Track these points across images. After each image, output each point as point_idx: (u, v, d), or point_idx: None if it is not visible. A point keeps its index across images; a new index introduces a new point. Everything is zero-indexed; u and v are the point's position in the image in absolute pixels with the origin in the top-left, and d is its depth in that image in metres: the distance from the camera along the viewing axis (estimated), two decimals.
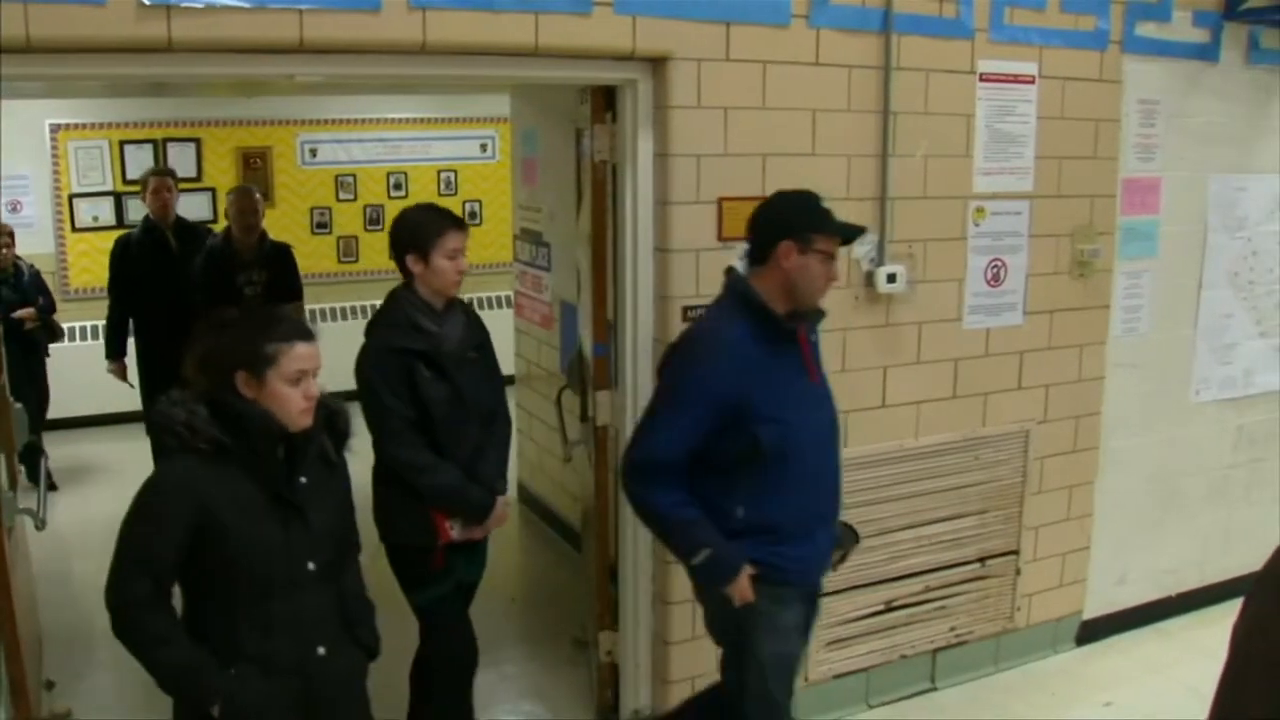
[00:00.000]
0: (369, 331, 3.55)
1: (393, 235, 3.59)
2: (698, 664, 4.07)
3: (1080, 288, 4.66)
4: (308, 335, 2.63)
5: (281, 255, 6.12)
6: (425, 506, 3.54)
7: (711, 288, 3.77)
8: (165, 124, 8.78)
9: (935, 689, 4.68)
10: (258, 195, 6.19)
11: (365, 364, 3.49)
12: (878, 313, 4.18)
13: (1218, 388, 5.20)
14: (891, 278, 4.11)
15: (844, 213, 3.97)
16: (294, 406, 2.57)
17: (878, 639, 4.51)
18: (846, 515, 4.22)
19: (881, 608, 4.48)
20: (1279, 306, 5.36)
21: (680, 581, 3.95)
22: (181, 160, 8.73)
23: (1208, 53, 4.90)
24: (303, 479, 2.63)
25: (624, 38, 3.57)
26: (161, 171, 6.68)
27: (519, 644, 5.10)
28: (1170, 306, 5.00)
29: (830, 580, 4.28)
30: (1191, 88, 4.88)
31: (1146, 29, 4.67)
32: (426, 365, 3.48)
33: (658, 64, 3.70)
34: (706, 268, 3.79)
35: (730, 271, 3.26)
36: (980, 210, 4.34)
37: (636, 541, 4.02)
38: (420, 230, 3.55)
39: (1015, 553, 4.75)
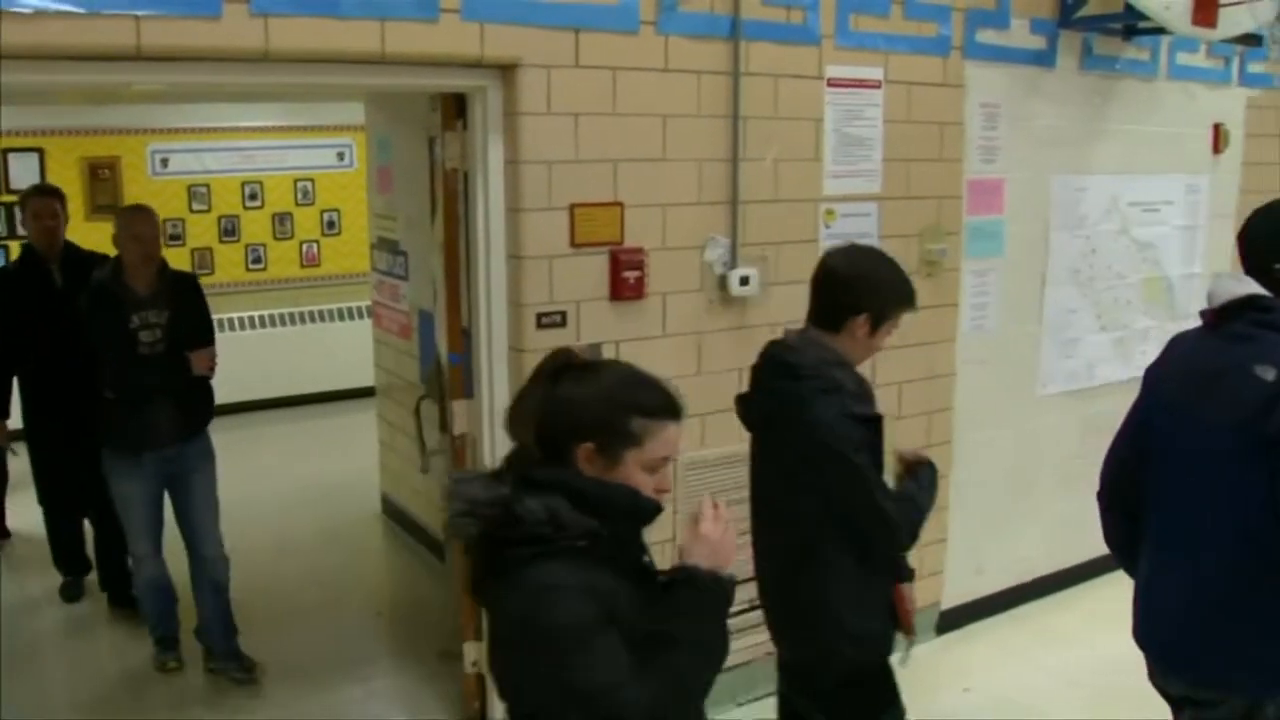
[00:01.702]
0: (818, 396, 2.83)
1: (849, 283, 2.91)
2: None
3: (929, 287, 4.75)
4: (679, 412, 2.08)
5: (186, 289, 4.77)
6: (887, 581, 2.99)
7: (565, 294, 3.79)
8: (5, 133, 8.44)
9: None
10: (156, 217, 4.77)
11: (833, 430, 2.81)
12: (732, 315, 4.22)
13: (1063, 381, 5.38)
14: (744, 280, 4.15)
15: (695, 217, 4.06)
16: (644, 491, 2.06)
17: (744, 637, 4.50)
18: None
19: (746, 606, 4.48)
20: (1118, 302, 5.57)
21: None
22: (23, 172, 8.39)
23: (1045, 59, 5.06)
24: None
25: (472, 45, 3.54)
26: (45, 190, 5.53)
27: (386, 658, 5.04)
28: (1016, 303, 5.15)
29: None
30: (1031, 92, 5.04)
31: (986, 36, 4.81)
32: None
33: (507, 71, 3.68)
34: (560, 274, 3.79)
35: None
36: (830, 212, 4.41)
37: None
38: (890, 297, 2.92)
39: None
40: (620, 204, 3.88)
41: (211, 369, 4.72)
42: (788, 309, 4.32)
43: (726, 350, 4.22)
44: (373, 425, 7.01)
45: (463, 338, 4.08)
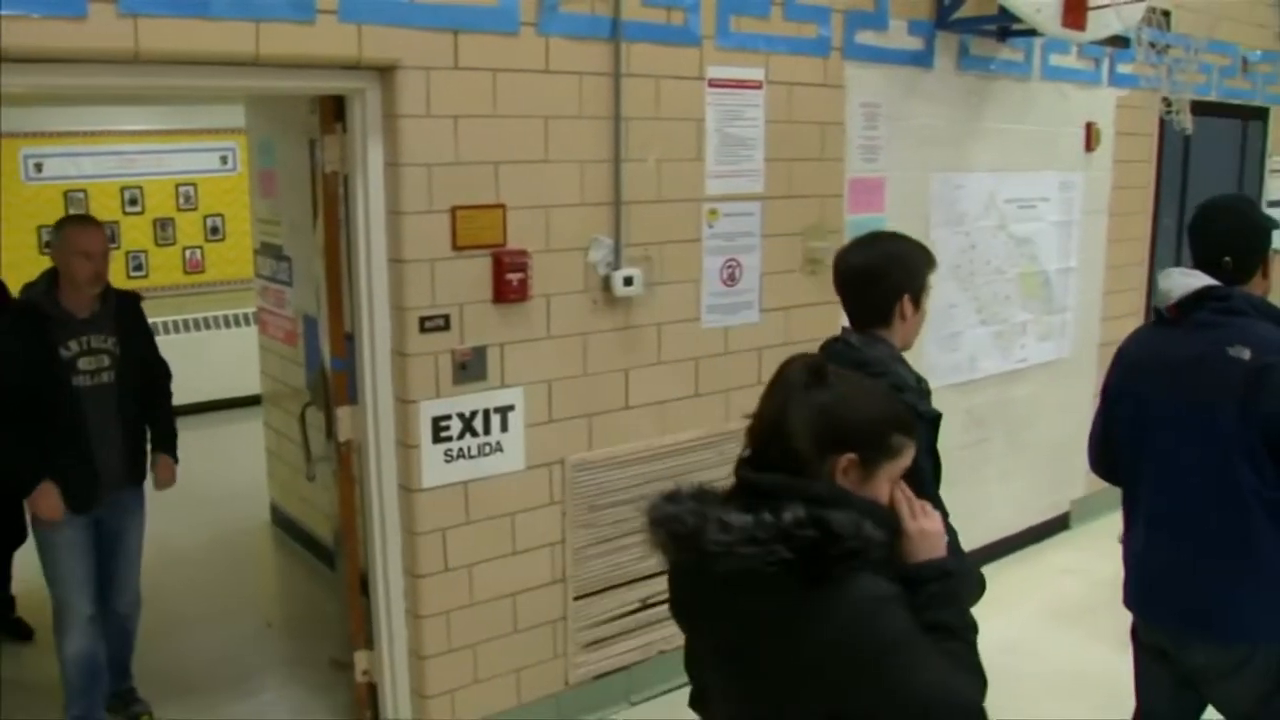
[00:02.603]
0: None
1: (881, 271, 2.87)
2: (454, 677, 4.05)
3: (814, 284, 4.83)
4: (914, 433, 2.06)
5: (132, 311, 4.29)
6: None
7: (448, 297, 3.76)
8: None
9: None
10: (104, 230, 4.27)
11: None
12: (617, 316, 4.23)
13: (947, 374, 5.48)
14: (628, 281, 4.16)
15: (579, 218, 4.05)
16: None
17: (635, 637, 4.56)
18: (599, 516, 4.29)
19: (638, 605, 4.53)
20: (997, 296, 5.69)
21: (432, 594, 3.92)
22: None
23: (923, 59, 5.17)
24: None
25: (349, 46, 3.49)
26: None
27: (276, 669, 4.95)
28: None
29: (586, 581, 4.33)
30: (910, 92, 5.14)
31: (865, 37, 4.89)
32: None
33: (386, 73, 3.64)
34: (442, 277, 3.76)
35: None
36: (713, 212, 4.45)
37: (387, 557, 3.95)
38: (920, 267, 2.88)
39: None
40: (502, 206, 3.86)
41: (173, 479, 4.41)
42: (672, 308, 4.36)
43: (612, 351, 4.23)
44: (260, 434, 6.89)
45: (346, 343, 4.04)
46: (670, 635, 4.62)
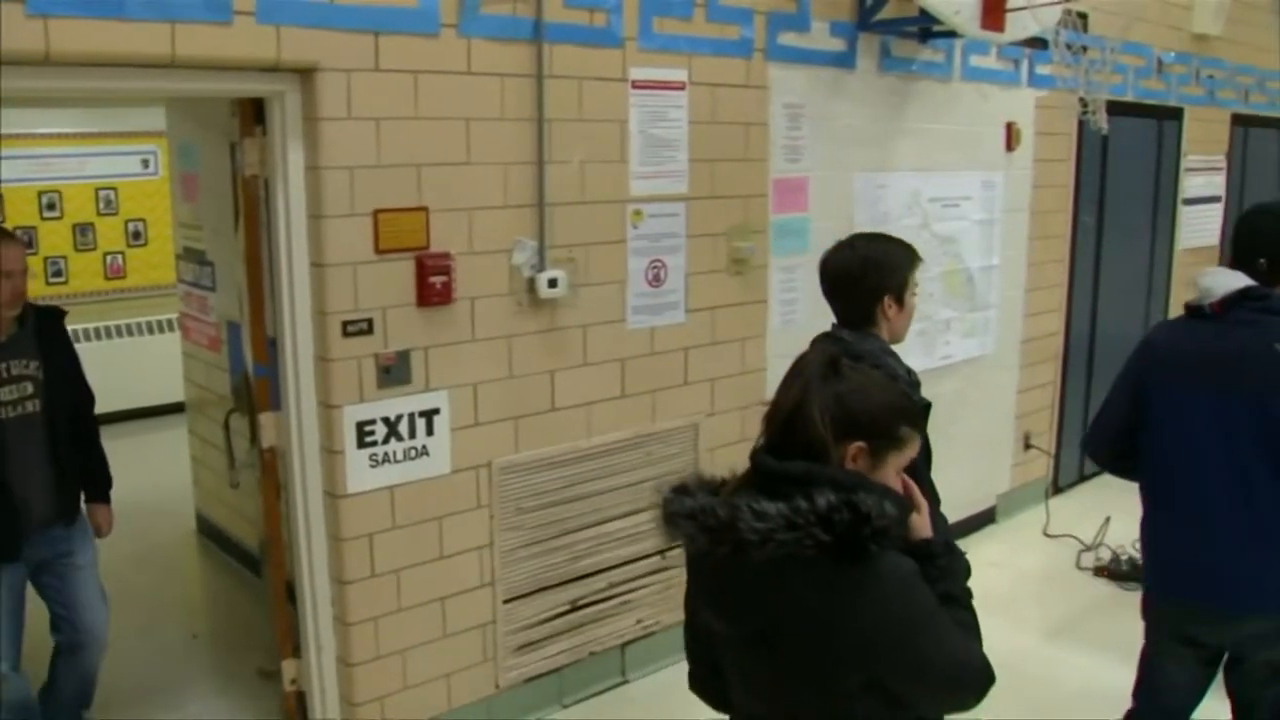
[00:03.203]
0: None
1: (859, 274, 2.99)
2: (383, 684, 4.02)
3: (739, 284, 4.86)
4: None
5: (56, 331, 3.94)
6: None
7: (371, 301, 3.74)
8: None
9: (627, 681, 4.78)
10: (24, 245, 3.93)
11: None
12: (542, 318, 4.22)
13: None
14: (553, 283, 4.15)
15: (503, 220, 4.05)
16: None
17: (567, 638, 4.56)
18: (527, 518, 4.29)
19: (568, 607, 4.53)
20: (921, 294, 5.73)
21: (359, 600, 3.89)
22: None
23: (845, 60, 5.21)
24: None
25: (268, 48, 3.45)
26: None
27: (203, 681, 4.88)
28: (824, 299, 5.25)
29: (515, 584, 4.32)
30: (833, 93, 5.19)
31: (788, 38, 4.92)
32: None
33: (305, 75, 3.60)
34: (365, 281, 3.73)
35: None
36: (638, 213, 4.46)
37: (313, 564, 3.91)
38: (899, 267, 2.99)
39: None
40: (425, 209, 3.84)
41: (111, 526, 4.15)
42: (598, 310, 4.37)
43: (537, 353, 4.23)
44: (185, 442, 6.79)
45: (268, 348, 4.00)
46: (602, 636, 4.64)
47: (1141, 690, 3.55)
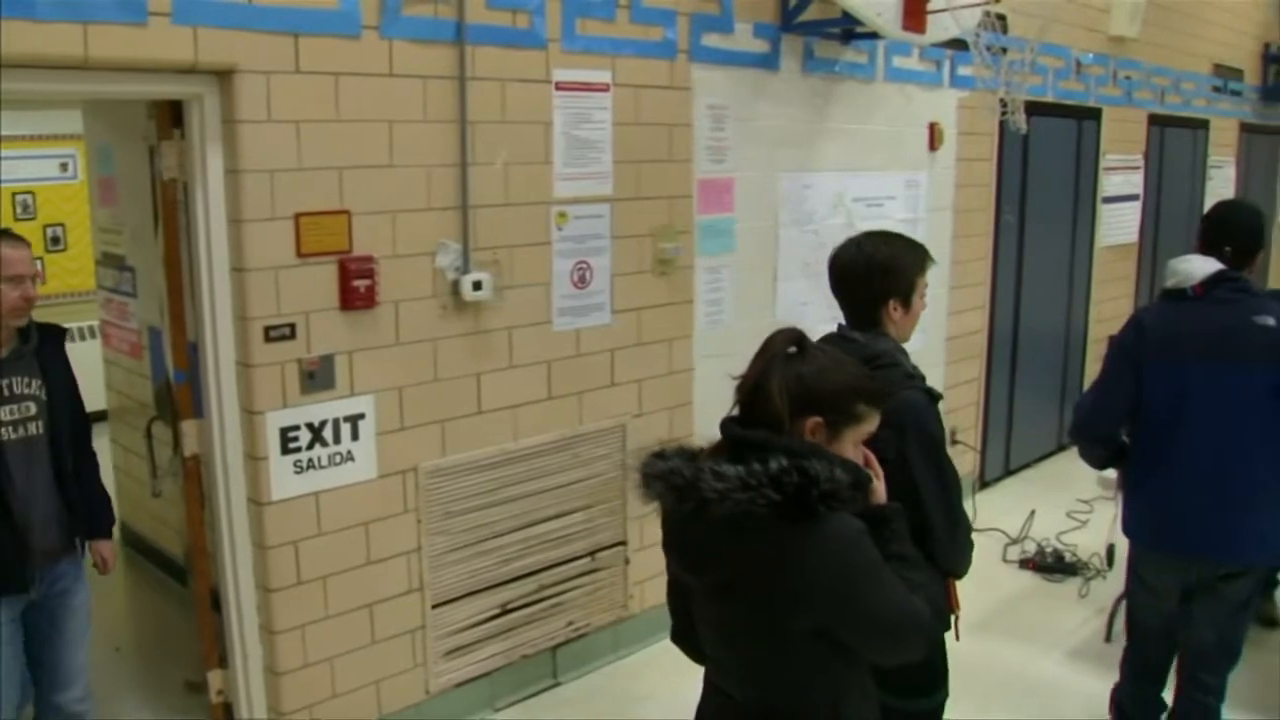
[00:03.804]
0: (902, 384, 2.82)
1: (865, 277, 2.96)
2: (312, 692, 3.98)
3: (664, 285, 4.88)
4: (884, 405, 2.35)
5: (57, 347, 3.69)
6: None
7: (293, 306, 3.70)
8: None
9: (559, 684, 4.77)
10: (29, 247, 3.49)
11: (930, 419, 2.86)
12: (466, 320, 4.20)
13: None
14: (477, 285, 4.14)
15: (426, 223, 4.03)
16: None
17: (497, 642, 4.54)
18: (454, 523, 4.27)
19: (498, 611, 4.52)
20: None
21: (286, 608, 3.85)
22: None
23: (769, 62, 5.25)
24: None
25: (185, 50, 3.41)
26: None
27: (128, 695, 4.79)
28: (750, 298, 5.32)
29: (445, 588, 4.30)
30: (757, 94, 5.22)
31: (711, 40, 4.95)
32: None
33: (224, 77, 3.56)
34: (287, 286, 3.69)
35: None
36: (563, 215, 4.45)
37: (238, 572, 3.86)
38: (907, 270, 2.99)
39: (623, 543, 4.92)
40: (347, 212, 3.81)
41: (113, 562, 3.90)
42: (523, 312, 4.36)
43: (462, 356, 4.21)
44: (107, 450, 6.67)
45: (190, 354, 3.94)
46: (533, 639, 4.63)
47: (1128, 617, 4.05)
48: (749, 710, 2.31)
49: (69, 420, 3.58)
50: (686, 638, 2.48)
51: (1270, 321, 3.55)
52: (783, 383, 2.17)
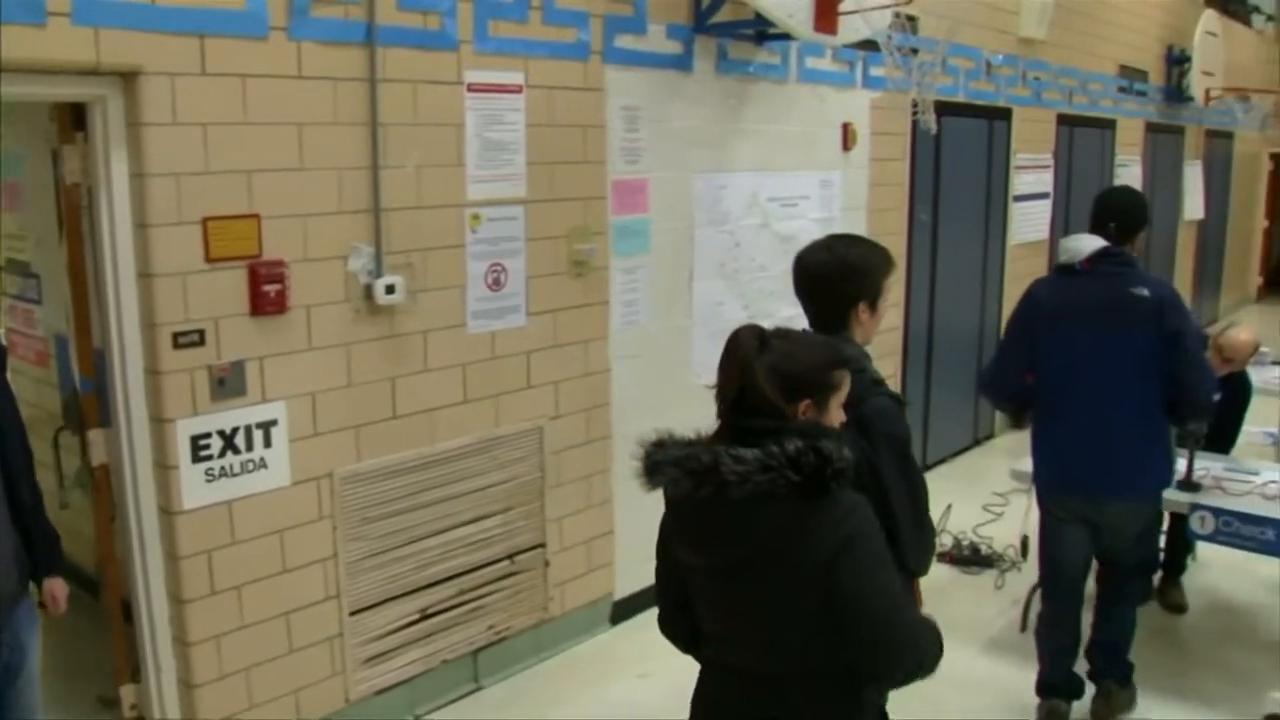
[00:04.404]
0: (870, 389, 2.82)
1: (834, 279, 2.94)
2: (228, 704, 3.92)
3: (580, 286, 4.88)
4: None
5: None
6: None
7: (202, 311, 3.65)
8: None
9: (481, 688, 4.75)
10: None
11: (899, 425, 2.87)
12: (380, 324, 4.17)
13: (715, 371, 5.59)
14: (390, 289, 4.11)
15: (338, 226, 3.99)
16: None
17: (417, 648, 4.51)
18: (371, 528, 4.23)
19: (417, 616, 4.49)
20: (763, 292, 5.86)
21: (200, 619, 3.79)
22: None
23: (682, 63, 5.27)
24: None
25: (86, 51, 3.34)
26: None
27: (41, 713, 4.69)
28: (666, 298, 5.34)
29: (362, 595, 4.26)
30: (670, 95, 5.24)
31: (625, 41, 4.96)
32: None
33: (128, 79, 3.49)
34: (195, 291, 3.64)
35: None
36: (476, 217, 4.44)
37: (149, 584, 3.80)
38: (875, 273, 2.98)
39: (543, 545, 4.92)
40: (257, 215, 3.76)
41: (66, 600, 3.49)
42: (437, 315, 4.34)
43: (377, 360, 4.18)
44: None
45: (97, 362, 3.87)
46: (453, 643, 4.61)
47: (1042, 560, 4.50)
48: (758, 680, 2.40)
49: (19, 449, 3.26)
50: (676, 624, 2.58)
51: (1145, 292, 4.06)
52: (766, 376, 2.27)
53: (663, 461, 2.29)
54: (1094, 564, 4.52)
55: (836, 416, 2.43)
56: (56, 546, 3.47)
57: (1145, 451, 4.19)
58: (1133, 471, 4.18)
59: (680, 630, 2.58)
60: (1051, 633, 4.46)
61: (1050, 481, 4.36)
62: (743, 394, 2.28)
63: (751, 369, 2.27)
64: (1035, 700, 4.47)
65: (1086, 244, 4.17)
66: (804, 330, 2.55)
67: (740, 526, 2.27)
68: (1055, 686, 4.44)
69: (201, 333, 3.68)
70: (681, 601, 2.51)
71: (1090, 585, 4.51)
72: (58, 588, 3.48)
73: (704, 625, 2.49)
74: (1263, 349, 6.92)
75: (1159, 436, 4.24)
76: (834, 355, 2.43)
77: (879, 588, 2.28)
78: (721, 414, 2.33)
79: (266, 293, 3.78)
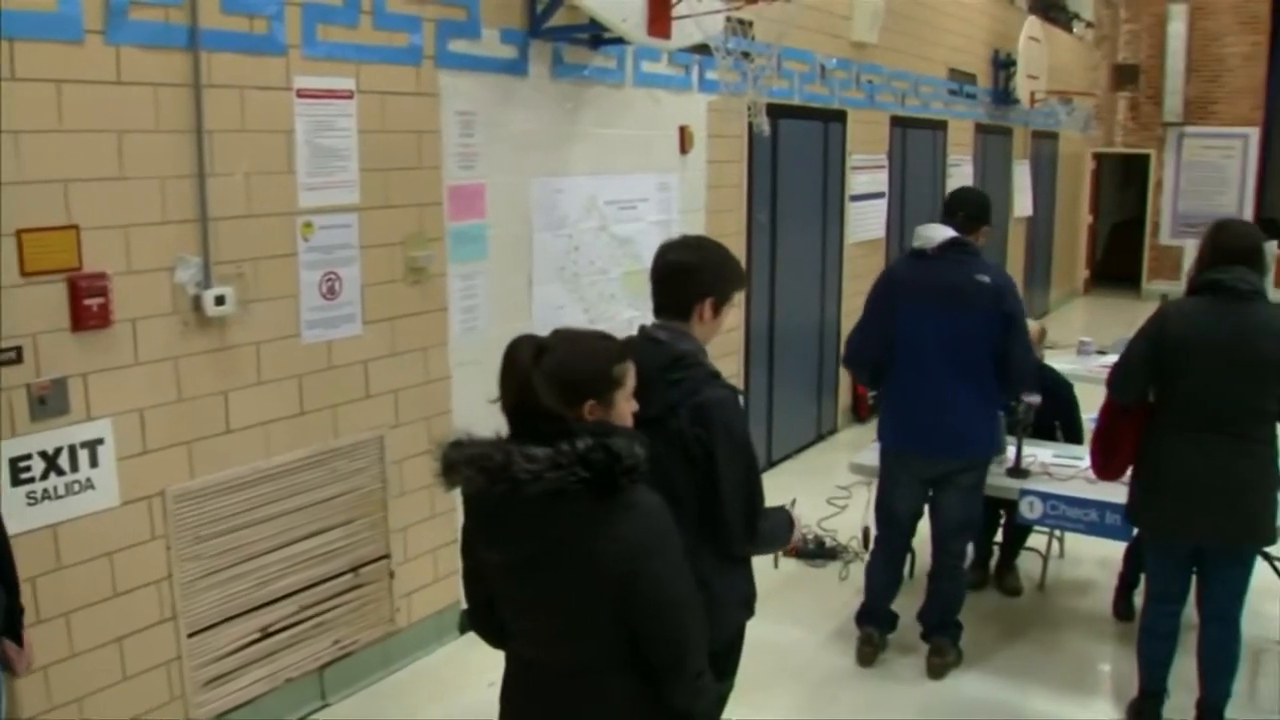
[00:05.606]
0: (708, 382, 2.97)
1: (693, 269, 3.06)
2: None
3: (417, 294, 4.83)
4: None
5: None
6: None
7: (19, 328, 3.50)
8: None
9: (328, 704, 4.67)
10: None
11: (736, 415, 3.02)
12: (211, 337, 4.05)
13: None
14: (220, 300, 4.00)
15: (163, 237, 3.88)
16: (627, 422, 2.49)
17: (259, 668, 4.41)
18: (207, 547, 4.12)
19: (258, 635, 4.38)
20: (603, 295, 5.89)
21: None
22: None
23: (517, 67, 5.26)
24: None
25: None
26: None
27: None
28: (505, 304, 5.32)
29: (200, 615, 4.14)
30: (506, 100, 5.22)
31: (458, 45, 4.93)
32: None
33: None
34: (11, 307, 3.47)
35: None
36: (308, 225, 4.35)
37: None
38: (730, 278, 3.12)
39: (387, 557, 4.86)
40: (76, 227, 3.62)
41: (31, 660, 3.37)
42: (270, 326, 4.25)
43: (207, 373, 4.06)
44: None
45: None
46: (297, 661, 4.51)
47: (878, 509, 5.10)
48: (561, 671, 2.46)
49: None
50: (484, 622, 2.63)
51: (986, 279, 4.65)
52: (544, 383, 2.30)
53: (458, 460, 2.32)
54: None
55: (626, 410, 2.48)
56: (16, 598, 3.25)
57: (979, 415, 4.76)
58: (967, 433, 4.75)
59: (490, 628, 2.63)
60: (881, 571, 5.09)
61: (896, 439, 4.92)
62: (522, 403, 2.32)
63: (528, 379, 2.31)
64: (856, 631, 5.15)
65: (938, 233, 4.74)
66: (585, 329, 2.57)
67: (534, 522, 2.31)
68: (875, 614, 5.11)
69: (19, 350, 3.52)
70: (488, 599, 2.56)
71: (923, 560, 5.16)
72: (27, 652, 3.32)
73: (507, 622, 2.55)
74: (1082, 339, 7.51)
75: (989, 403, 4.81)
76: (613, 353, 2.46)
77: (675, 598, 2.38)
78: (508, 422, 2.37)
79: (89, 306, 3.64)
